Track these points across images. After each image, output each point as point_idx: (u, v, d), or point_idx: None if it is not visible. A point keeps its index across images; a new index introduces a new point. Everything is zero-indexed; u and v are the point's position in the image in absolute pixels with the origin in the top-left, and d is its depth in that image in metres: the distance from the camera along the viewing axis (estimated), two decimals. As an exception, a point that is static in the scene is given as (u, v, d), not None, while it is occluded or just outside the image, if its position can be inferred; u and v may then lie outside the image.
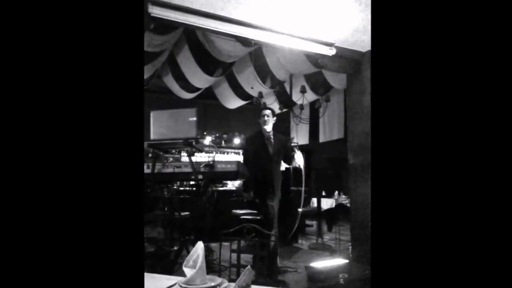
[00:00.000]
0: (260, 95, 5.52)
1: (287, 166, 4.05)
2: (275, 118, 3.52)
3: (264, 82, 5.69)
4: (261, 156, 3.43)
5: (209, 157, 3.47)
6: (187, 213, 3.98)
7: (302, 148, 3.84)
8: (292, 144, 3.40)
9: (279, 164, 3.59)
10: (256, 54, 5.12)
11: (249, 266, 1.15)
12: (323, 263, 3.25)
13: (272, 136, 3.49)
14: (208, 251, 3.46)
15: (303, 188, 3.62)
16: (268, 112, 3.49)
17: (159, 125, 3.18)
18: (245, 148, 3.69)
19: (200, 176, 3.22)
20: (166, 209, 3.75)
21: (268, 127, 3.45)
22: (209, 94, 6.65)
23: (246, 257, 2.62)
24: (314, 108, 6.56)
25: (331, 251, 4.52)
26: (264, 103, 5.89)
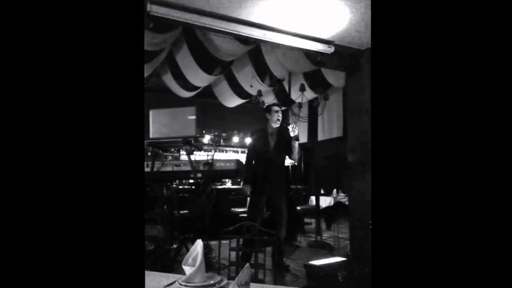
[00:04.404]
0: (259, 93, 5.51)
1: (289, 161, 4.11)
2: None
3: (263, 80, 5.68)
4: (262, 151, 3.49)
5: (208, 155, 3.46)
6: (187, 211, 3.98)
7: (300, 146, 3.86)
8: (292, 135, 3.45)
9: (280, 160, 3.63)
10: (255, 52, 5.11)
11: (247, 264, 1.15)
12: (322, 261, 3.25)
13: (276, 132, 3.54)
14: (207, 249, 3.46)
15: None
16: (279, 109, 3.58)
17: (158, 124, 3.18)
18: (250, 144, 3.79)
19: (199, 175, 3.22)
20: (165, 207, 3.75)
21: (277, 124, 3.53)
22: (208, 93, 6.63)
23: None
24: (313, 106, 6.56)
25: (330, 249, 4.53)
26: (263, 101, 5.88)
